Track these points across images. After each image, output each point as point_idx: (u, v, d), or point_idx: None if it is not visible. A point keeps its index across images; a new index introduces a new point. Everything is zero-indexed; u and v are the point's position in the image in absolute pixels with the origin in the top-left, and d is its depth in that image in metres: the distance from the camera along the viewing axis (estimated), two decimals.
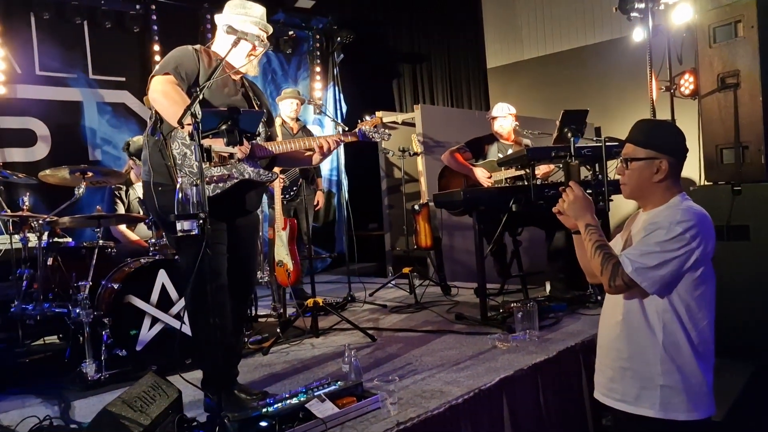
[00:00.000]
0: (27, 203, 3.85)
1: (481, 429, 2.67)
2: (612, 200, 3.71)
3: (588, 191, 2.11)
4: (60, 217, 3.83)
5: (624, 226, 2.16)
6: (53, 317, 3.59)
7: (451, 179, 5.03)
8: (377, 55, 8.76)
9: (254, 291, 4.20)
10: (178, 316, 3.52)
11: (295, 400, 2.39)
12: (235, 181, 2.64)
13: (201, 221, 2.18)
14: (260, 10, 2.79)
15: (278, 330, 3.94)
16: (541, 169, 4.62)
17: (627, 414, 1.96)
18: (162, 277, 3.54)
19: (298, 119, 5.38)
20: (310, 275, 4.31)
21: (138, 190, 4.43)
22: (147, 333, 3.44)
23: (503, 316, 3.97)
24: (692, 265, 1.85)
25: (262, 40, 2.70)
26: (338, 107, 8.18)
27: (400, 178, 6.47)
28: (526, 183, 4.09)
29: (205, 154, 2.21)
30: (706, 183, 4.40)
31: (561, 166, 4.38)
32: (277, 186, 4.54)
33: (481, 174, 4.78)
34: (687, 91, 4.72)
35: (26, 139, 5.69)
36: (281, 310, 4.50)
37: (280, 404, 2.36)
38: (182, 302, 3.45)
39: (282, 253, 4.39)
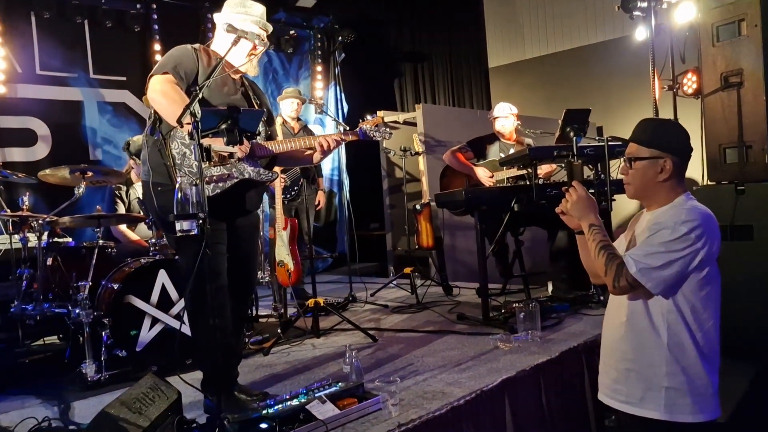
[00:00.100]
0: (27, 203, 3.84)
1: (482, 430, 2.65)
2: (615, 200, 3.70)
3: (590, 191, 2.09)
4: (60, 217, 3.81)
5: (628, 226, 2.14)
6: (53, 317, 3.58)
7: (453, 179, 5.01)
8: (379, 55, 8.75)
9: (255, 291, 4.19)
10: (178, 317, 3.50)
11: (295, 402, 2.38)
12: (235, 180, 2.62)
13: (200, 221, 2.16)
14: (260, 9, 2.78)
15: (279, 330, 3.93)
16: (543, 169, 4.60)
17: (631, 416, 1.94)
18: (162, 278, 3.52)
19: (299, 119, 5.36)
20: (311, 275, 4.28)
21: (138, 190, 4.41)
22: (147, 333, 3.43)
23: (505, 317, 3.96)
24: (697, 266, 1.83)
25: (262, 39, 2.68)
26: (339, 107, 8.17)
27: (401, 178, 6.45)
28: (528, 182, 4.07)
29: (204, 154, 2.19)
30: (709, 183, 4.38)
31: (563, 165, 4.36)
32: (278, 186, 4.53)
33: (482, 174, 4.77)
34: (690, 90, 4.70)
35: (26, 138, 5.68)
36: (282, 311, 4.49)
37: (280, 405, 2.34)
38: (182, 302, 3.43)
39: (283, 253, 4.37)
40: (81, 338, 3.30)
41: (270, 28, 2.81)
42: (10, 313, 3.64)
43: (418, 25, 9.16)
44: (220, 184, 2.59)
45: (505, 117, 5.05)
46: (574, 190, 2.06)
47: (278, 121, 4.99)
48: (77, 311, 3.25)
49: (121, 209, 4.49)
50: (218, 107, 2.47)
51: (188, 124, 2.19)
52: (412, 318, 4.47)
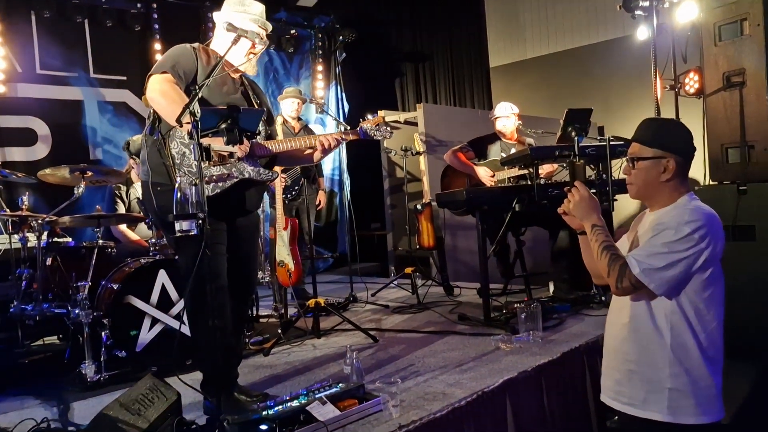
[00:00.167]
0: (26, 203, 3.83)
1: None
2: (616, 200, 3.68)
3: (592, 191, 2.07)
4: (60, 217, 3.80)
5: (630, 227, 2.13)
6: (53, 317, 3.57)
7: (454, 179, 5.00)
8: (379, 54, 8.74)
9: (255, 291, 4.18)
10: (178, 317, 3.49)
11: (295, 403, 2.36)
12: (235, 180, 2.61)
13: (200, 221, 2.15)
14: (259, 8, 2.76)
15: (279, 331, 3.91)
16: (544, 169, 4.58)
17: (634, 418, 1.92)
18: (162, 278, 3.51)
19: (299, 118, 5.35)
20: (311, 275, 4.27)
21: (138, 190, 4.40)
22: (147, 334, 3.42)
23: (506, 317, 3.94)
24: (701, 266, 1.82)
25: (261, 38, 2.67)
26: (340, 106, 8.16)
27: (402, 178, 6.44)
28: (529, 182, 4.06)
29: (204, 153, 2.17)
30: (711, 183, 4.37)
31: (565, 165, 4.34)
32: (279, 185, 4.51)
33: (483, 173, 4.75)
34: (692, 90, 4.68)
35: (27, 138, 5.66)
36: (282, 311, 4.47)
37: (280, 407, 2.33)
38: (182, 303, 3.42)
39: (283, 253, 4.36)
40: (81, 338, 3.28)
41: (269, 27, 2.80)
42: (9, 313, 3.63)
43: (419, 24, 9.14)
44: (220, 184, 2.57)
45: (506, 117, 5.04)
46: (576, 190, 2.05)
47: (279, 120, 4.97)
48: (77, 311, 3.24)
49: (121, 209, 4.48)
50: (218, 106, 2.46)
51: (188, 123, 2.17)
52: (413, 318, 4.46)
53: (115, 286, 3.39)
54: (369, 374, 3.01)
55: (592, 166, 3.92)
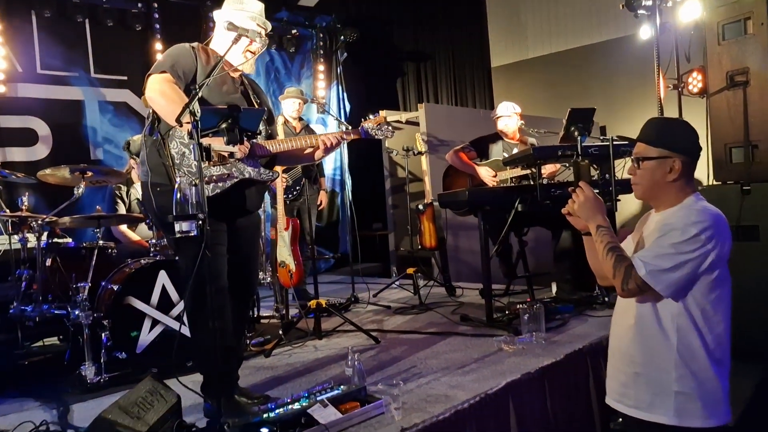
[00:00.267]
0: (26, 203, 3.82)
1: None
2: (620, 200, 3.66)
3: (596, 191, 2.05)
4: (60, 218, 3.78)
5: (635, 227, 2.10)
6: (52, 319, 3.55)
7: (456, 179, 4.98)
8: (381, 54, 8.71)
9: (256, 292, 4.16)
10: (178, 318, 3.46)
11: (297, 405, 2.34)
12: (235, 180, 2.59)
13: (200, 222, 2.13)
14: (258, 6, 2.75)
15: (280, 332, 3.90)
16: (547, 169, 4.56)
17: (640, 421, 1.90)
18: (162, 279, 3.48)
19: (301, 118, 5.33)
20: (313, 276, 4.25)
21: (139, 190, 4.38)
22: (147, 335, 3.39)
23: (509, 318, 3.92)
24: (708, 268, 1.79)
25: (261, 37, 2.65)
26: (342, 106, 8.14)
27: (404, 178, 6.42)
28: (531, 182, 4.04)
29: (204, 153, 2.15)
30: (715, 183, 4.34)
31: (568, 165, 4.32)
32: (280, 185, 4.49)
33: (485, 173, 4.73)
34: (695, 90, 4.65)
35: (27, 138, 5.65)
36: (284, 312, 4.45)
37: (281, 409, 2.30)
38: (183, 304, 3.40)
39: (284, 253, 4.34)
40: (81, 340, 3.26)
41: (269, 26, 2.78)
42: (9, 314, 3.60)
43: (420, 24, 9.13)
44: (220, 184, 2.55)
45: (508, 116, 5.01)
46: (581, 190, 2.02)
47: (280, 120, 4.95)
48: (77, 312, 3.21)
49: (122, 209, 4.46)
50: (218, 106, 2.44)
51: (188, 123, 2.15)
52: (415, 319, 4.43)
53: (116, 287, 3.37)
54: (371, 376, 2.99)
55: (595, 166, 3.90)
